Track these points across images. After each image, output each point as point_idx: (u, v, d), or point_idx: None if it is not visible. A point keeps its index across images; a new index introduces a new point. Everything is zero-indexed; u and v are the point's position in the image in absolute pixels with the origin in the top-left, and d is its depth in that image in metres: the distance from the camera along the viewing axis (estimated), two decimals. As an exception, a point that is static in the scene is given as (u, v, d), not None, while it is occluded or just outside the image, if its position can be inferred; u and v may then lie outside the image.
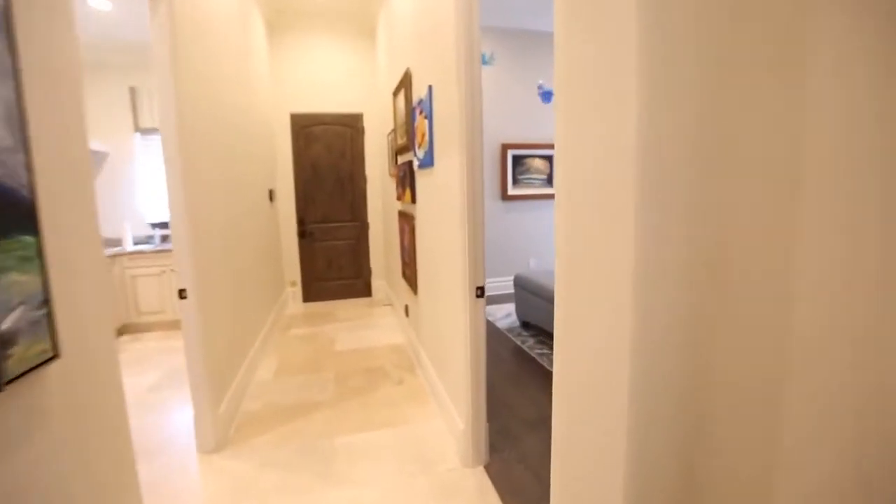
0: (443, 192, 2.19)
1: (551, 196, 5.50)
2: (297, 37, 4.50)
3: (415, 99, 2.71)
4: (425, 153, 2.46)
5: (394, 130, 3.52)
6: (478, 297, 1.88)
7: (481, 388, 1.94)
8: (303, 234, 4.71)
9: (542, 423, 2.30)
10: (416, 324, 3.19)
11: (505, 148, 4.99)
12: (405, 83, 2.88)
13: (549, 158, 5.17)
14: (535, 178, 5.18)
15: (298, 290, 4.79)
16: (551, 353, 3.22)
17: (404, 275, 3.50)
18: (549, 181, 5.24)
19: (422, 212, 2.79)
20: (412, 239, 3.11)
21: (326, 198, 4.73)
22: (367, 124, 4.74)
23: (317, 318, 4.45)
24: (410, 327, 3.43)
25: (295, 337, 3.86)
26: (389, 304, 4.75)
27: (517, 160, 5.06)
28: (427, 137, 2.39)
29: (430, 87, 2.31)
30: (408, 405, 2.56)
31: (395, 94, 3.27)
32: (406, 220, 3.26)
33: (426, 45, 2.37)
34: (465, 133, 1.80)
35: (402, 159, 3.30)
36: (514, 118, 5.04)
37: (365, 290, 4.95)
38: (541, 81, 5.06)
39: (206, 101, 2.36)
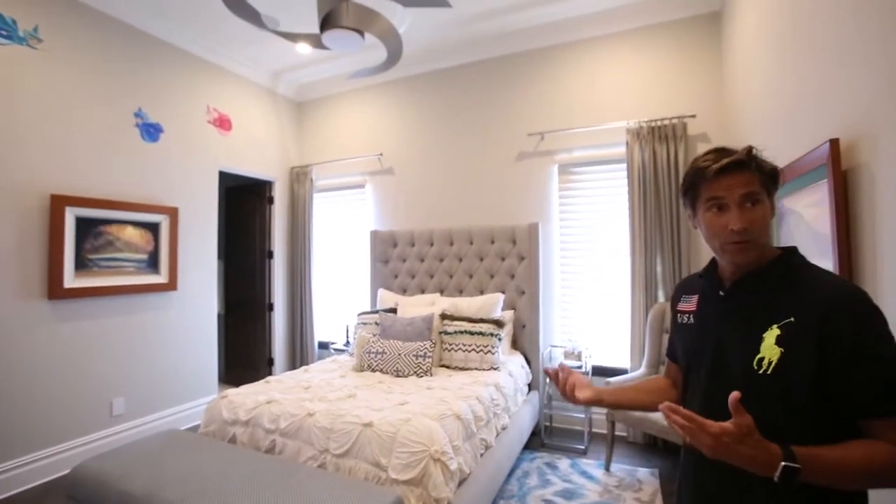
0: None
1: (159, 287, 3.33)
2: None
3: None
4: None
5: None
6: None
7: None
8: None
9: None
10: None
11: (59, 203, 2.71)
12: None
13: (154, 227, 3.27)
14: (126, 260, 3.10)
15: None
16: None
17: None
18: (154, 263, 3.28)
19: None
20: None
21: None
22: None
23: None
24: None
25: None
26: None
27: (88, 227, 2.87)
28: None
29: None
30: None
31: None
32: None
33: None
34: None
35: None
36: (85, 155, 2.87)
37: None
38: (140, 108, 3.20)
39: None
